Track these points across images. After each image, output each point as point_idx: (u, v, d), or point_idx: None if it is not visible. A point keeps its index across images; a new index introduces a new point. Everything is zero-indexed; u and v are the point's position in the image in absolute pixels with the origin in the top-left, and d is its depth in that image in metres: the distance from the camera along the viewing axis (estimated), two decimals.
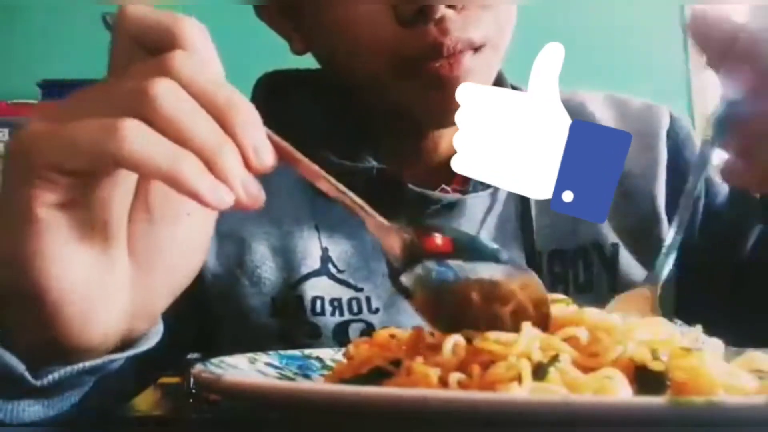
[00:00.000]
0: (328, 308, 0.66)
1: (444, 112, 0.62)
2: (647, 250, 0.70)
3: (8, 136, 1.86)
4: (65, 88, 1.69)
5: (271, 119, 0.71)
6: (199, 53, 0.38)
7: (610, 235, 0.70)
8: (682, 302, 0.69)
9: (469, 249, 0.41)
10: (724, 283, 0.69)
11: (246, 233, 0.67)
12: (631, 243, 0.70)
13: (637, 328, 0.38)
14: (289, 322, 0.66)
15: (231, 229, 0.67)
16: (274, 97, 0.72)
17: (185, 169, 0.35)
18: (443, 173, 0.71)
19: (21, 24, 2.08)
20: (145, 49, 0.39)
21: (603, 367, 0.35)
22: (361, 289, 0.67)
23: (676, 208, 0.66)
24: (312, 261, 0.67)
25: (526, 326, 0.37)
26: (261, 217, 0.67)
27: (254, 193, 0.37)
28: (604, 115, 0.75)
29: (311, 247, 0.67)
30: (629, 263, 0.69)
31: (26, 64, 2.03)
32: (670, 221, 0.71)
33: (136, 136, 0.35)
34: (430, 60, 0.59)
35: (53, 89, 1.89)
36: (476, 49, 0.60)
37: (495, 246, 0.41)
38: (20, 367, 0.40)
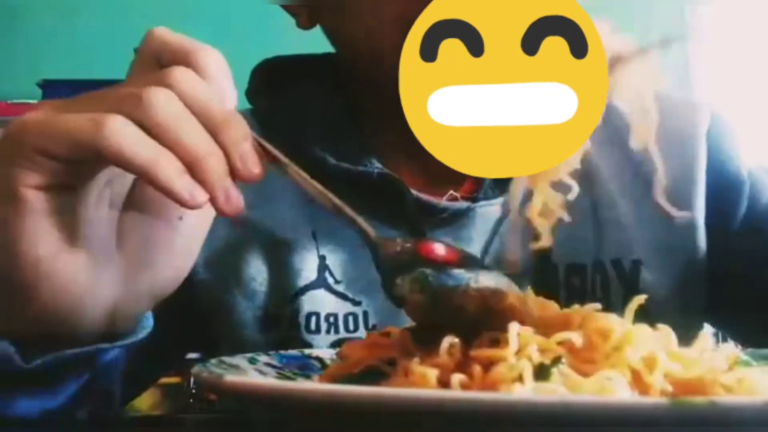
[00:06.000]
0: (323, 325, 0.63)
1: None
2: (678, 263, 0.66)
3: None
4: (65, 88, 1.69)
5: (268, 110, 0.69)
6: (213, 80, 0.40)
7: (634, 250, 0.65)
8: (713, 301, 0.67)
9: (470, 261, 0.41)
10: (759, 287, 0.65)
11: (242, 242, 0.64)
12: (661, 255, 0.66)
13: (635, 333, 0.37)
14: (281, 339, 0.63)
15: (226, 237, 0.64)
16: (273, 85, 0.69)
17: (162, 165, 0.37)
18: (452, 176, 0.68)
19: (21, 24, 2.08)
20: (161, 67, 0.40)
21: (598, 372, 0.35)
22: (359, 303, 0.64)
23: (714, 216, 0.61)
24: (309, 272, 0.64)
25: (513, 326, 0.36)
26: (257, 225, 0.64)
27: (234, 200, 0.38)
28: None
29: (308, 257, 0.64)
30: (651, 282, 0.65)
31: (27, 64, 2.03)
32: (707, 230, 0.66)
33: (119, 130, 0.37)
34: None
35: (53, 89, 1.89)
36: None
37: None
38: (9, 349, 0.41)
